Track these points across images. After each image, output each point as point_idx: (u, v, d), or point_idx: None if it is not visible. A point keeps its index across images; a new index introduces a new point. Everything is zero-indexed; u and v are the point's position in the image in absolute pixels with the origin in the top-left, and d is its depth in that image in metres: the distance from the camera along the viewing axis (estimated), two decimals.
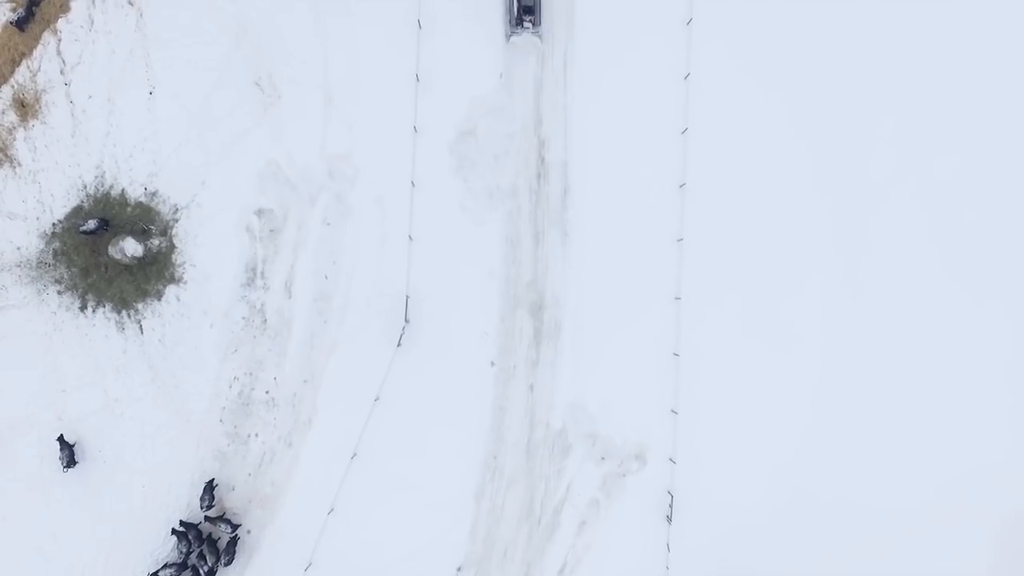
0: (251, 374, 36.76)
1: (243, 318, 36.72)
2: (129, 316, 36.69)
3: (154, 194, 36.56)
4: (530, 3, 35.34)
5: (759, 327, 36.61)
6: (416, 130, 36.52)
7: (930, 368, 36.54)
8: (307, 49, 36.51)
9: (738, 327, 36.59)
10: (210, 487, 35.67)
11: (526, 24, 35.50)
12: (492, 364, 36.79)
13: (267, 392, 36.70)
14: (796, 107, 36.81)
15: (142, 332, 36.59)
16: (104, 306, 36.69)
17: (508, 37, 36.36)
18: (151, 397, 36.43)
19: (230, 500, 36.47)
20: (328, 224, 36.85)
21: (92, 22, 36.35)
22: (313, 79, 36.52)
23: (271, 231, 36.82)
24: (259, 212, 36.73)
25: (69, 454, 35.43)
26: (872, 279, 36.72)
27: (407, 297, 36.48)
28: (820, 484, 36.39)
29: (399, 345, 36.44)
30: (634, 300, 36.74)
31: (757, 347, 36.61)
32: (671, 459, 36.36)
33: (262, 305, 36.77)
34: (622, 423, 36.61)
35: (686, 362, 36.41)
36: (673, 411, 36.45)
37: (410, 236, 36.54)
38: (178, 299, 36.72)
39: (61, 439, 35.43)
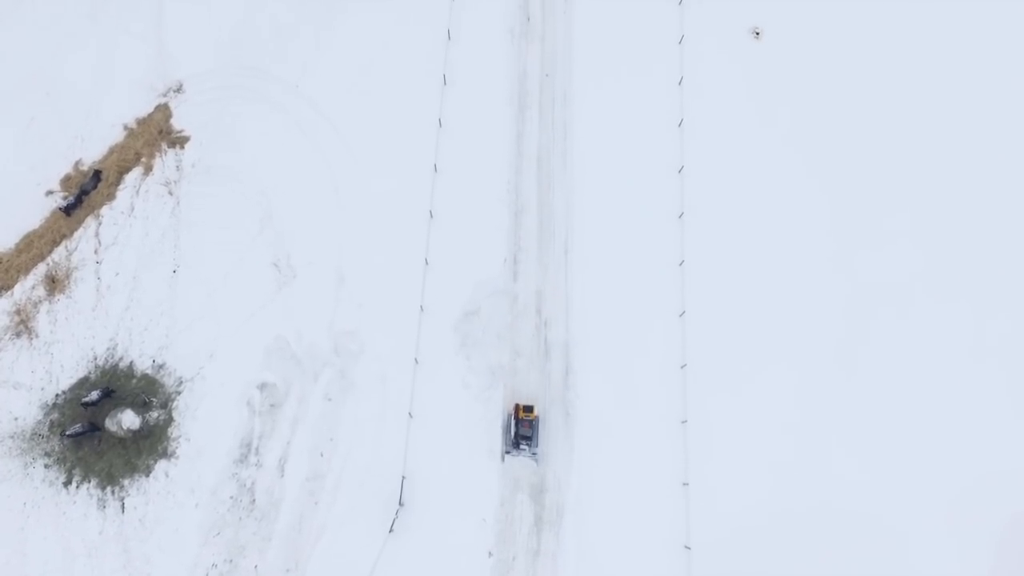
0: (231, 561, 34.19)
1: (231, 497, 35.11)
2: (113, 493, 35.21)
3: (161, 366, 37.09)
4: (528, 433, 34.82)
5: (772, 512, 34.48)
6: (422, 309, 37.88)
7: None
8: (326, 234, 39.37)
9: (751, 511, 34.42)
10: None
11: (522, 447, 34.89)
12: (490, 554, 34.16)
13: None
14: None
15: (123, 511, 34.84)
16: (89, 481, 35.39)
17: (503, 457, 35.36)
18: None
19: None
20: (329, 400, 36.73)
21: (133, 209, 39.87)
22: (328, 261, 38.90)
23: (271, 406, 36.62)
24: (262, 386, 36.88)
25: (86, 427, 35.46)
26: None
27: (403, 478, 35.07)
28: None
29: (391, 531, 34.26)
30: (640, 485, 35.06)
31: (772, 534, 34.08)
32: None
33: (252, 484, 35.35)
34: None
35: (698, 555, 33.66)
36: None
37: (410, 413, 36.14)
38: (167, 475, 35.48)
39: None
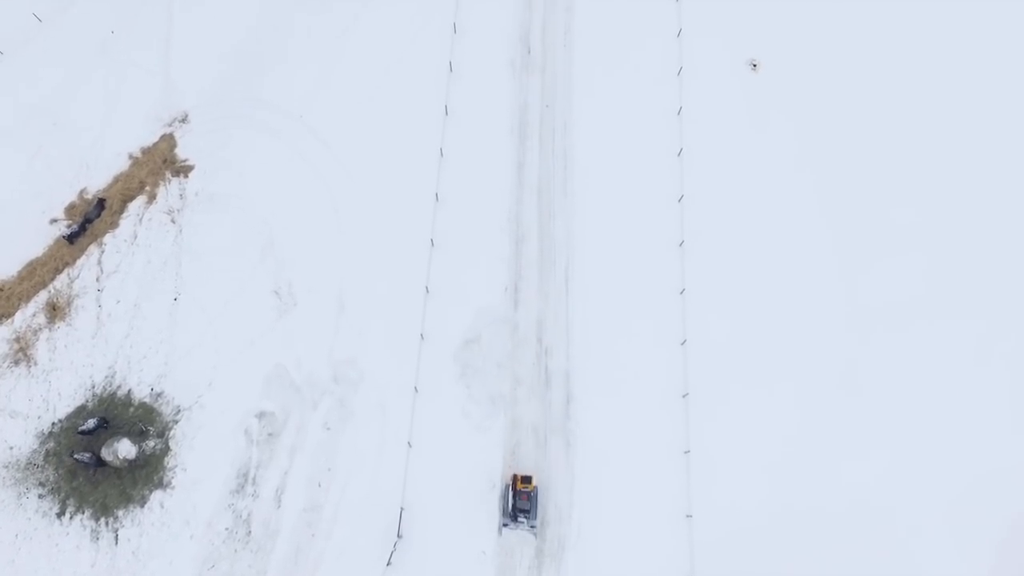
0: None
1: (226, 529, 34.51)
2: (107, 524, 34.63)
3: (159, 395, 36.81)
4: (526, 507, 33.41)
5: (776, 543, 33.79)
6: (423, 338, 37.72)
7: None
8: (327, 263, 39.43)
9: (753, 544, 33.72)
10: None
11: (520, 520, 33.57)
12: None
13: None
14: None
15: (117, 543, 34.22)
16: (83, 512, 34.84)
17: (500, 530, 34.03)
18: None
19: None
20: (328, 429, 36.35)
21: (136, 236, 40.06)
22: (329, 288, 38.89)
23: (269, 435, 36.23)
24: (260, 415, 36.54)
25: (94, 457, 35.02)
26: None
27: (401, 509, 34.50)
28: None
29: (389, 563, 33.57)
30: (643, 515, 34.45)
31: (777, 562, 33.36)
32: None
33: (248, 515, 34.78)
34: None
35: None
36: None
37: (409, 443, 35.72)
38: (162, 506, 34.94)
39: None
